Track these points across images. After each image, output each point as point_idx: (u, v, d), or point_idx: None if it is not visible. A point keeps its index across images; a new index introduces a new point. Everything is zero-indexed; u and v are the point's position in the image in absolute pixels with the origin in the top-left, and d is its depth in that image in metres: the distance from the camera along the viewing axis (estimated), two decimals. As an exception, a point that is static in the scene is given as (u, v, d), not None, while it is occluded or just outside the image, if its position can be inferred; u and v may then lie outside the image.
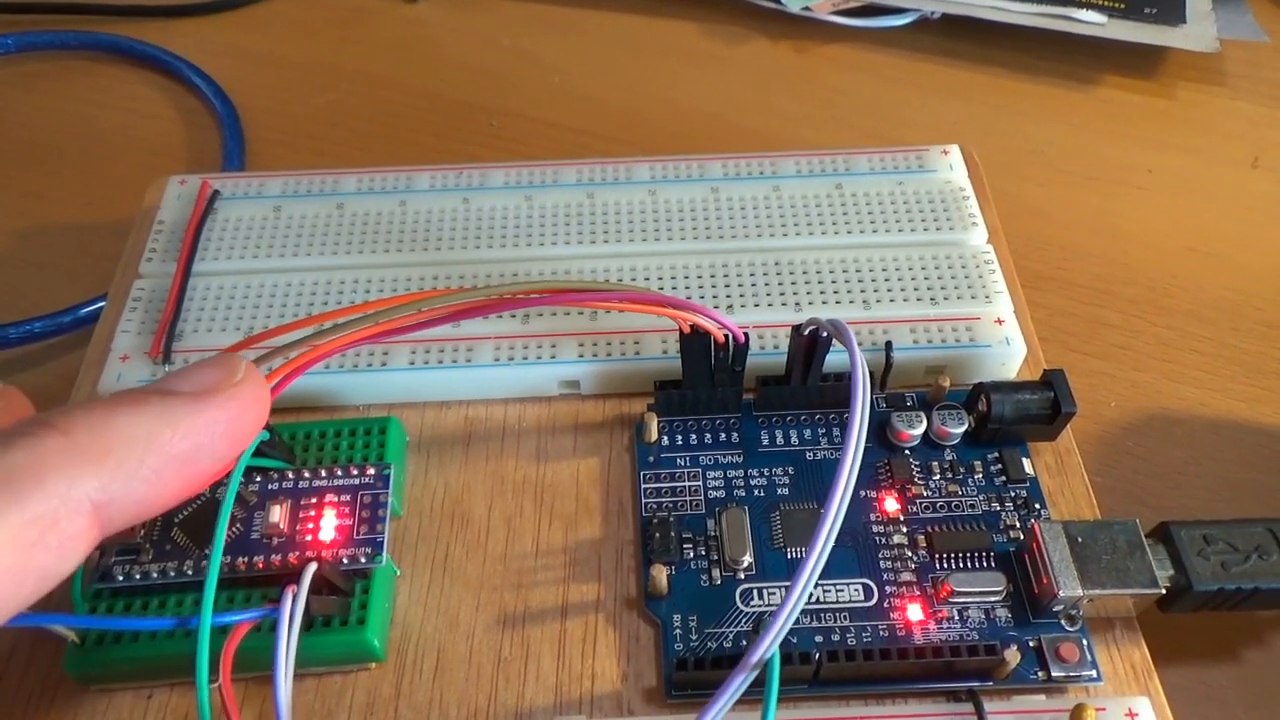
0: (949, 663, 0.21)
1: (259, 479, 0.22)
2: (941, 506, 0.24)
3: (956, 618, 0.22)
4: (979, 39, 0.42)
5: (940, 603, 0.22)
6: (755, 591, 0.22)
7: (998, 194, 0.30)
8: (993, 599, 0.22)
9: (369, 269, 0.28)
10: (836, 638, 0.22)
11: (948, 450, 0.25)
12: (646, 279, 0.27)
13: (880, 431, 0.25)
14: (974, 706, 0.20)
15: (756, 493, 0.24)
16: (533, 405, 0.26)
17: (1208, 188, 0.37)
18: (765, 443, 0.25)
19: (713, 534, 0.23)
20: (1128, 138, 0.39)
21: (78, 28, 0.42)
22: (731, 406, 0.25)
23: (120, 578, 0.21)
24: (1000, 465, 0.24)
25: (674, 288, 0.27)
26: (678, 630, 0.22)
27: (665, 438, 0.25)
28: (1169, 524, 0.22)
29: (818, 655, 0.20)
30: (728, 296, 0.27)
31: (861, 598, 0.22)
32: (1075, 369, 0.30)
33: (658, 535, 0.23)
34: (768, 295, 0.27)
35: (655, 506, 0.24)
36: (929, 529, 0.23)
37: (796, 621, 0.22)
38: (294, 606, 0.19)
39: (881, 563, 0.23)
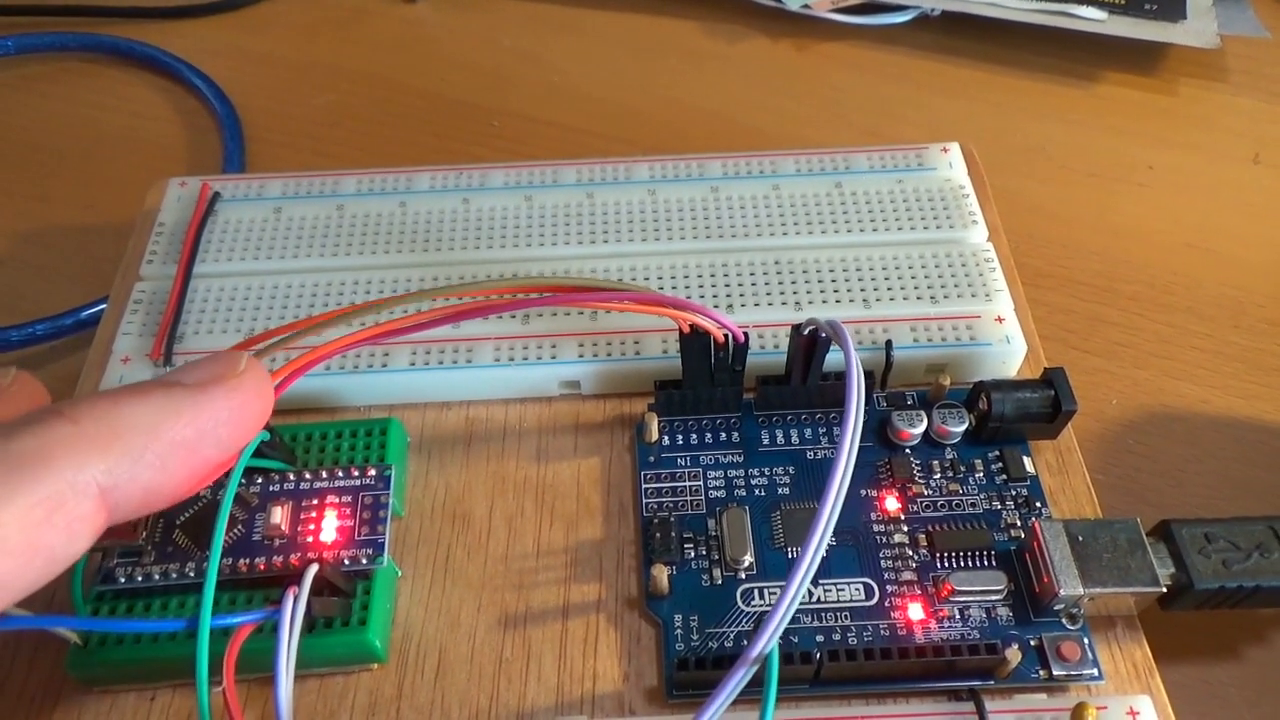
0: (950, 662, 0.21)
1: (260, 480, 0.22)
2: (942, 505, 0.24)
3: (957, 617, 0.22)
4: (979, 36, 0.42)
5: (941, 602, 0.22)
6: (756, 591, 0.22)
7: (998, 191, 0.30)
8: (994, 598, 0.22)
9: (369, 270, 0.28)
10: (837, 637, 0.22)
11: (948, 449, 0.25)
12: (646, 279, 0.27)
13: (881, 430, 0.25)
14: (975, 706, 0.20)
15: (757, 492, 0.24)
16: (533, 405, 0.26)
17: (1209, 184, 0.37)
18: (766, 442, 0.25)
19: (713, 534, 0.23)
20: (1128, 134, 0.39)
21: (77, 29, 0.42)
22: (732, 406, 0.25)
23: (122, 579, 0.21)
24: (1001, 464, 0.24)
25: (674, 287, 0.27)
26: (679, 630, 0.22)
27: (666, 437, 0.25)
28: (1170, 522, 0.22)
29: (818, 655, 0.20)
30: (727, 296, 0.27)
31: (862, 597, 0.22)
32: (1076, 367, 0.30)
33: (659, 535, 0.23)
34: (768, 294, 0.27)
35: (656, 506, 0.24)
36: (930, 528, 0.23)
37: (797, 621, 0.22)
38: (295, 608, 0.19)
39: (882, 562, 0.23)
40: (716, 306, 0.27)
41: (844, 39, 0.43)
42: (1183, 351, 0.31)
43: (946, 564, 0.23)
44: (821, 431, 0.25)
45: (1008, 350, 0.26)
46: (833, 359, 0.24)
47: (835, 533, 0.23)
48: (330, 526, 0.21)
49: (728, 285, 0.27)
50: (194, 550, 0.21)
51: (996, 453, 0.25)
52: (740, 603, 0.22)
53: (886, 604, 0.22)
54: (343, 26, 0.44)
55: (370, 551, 0.21)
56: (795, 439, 0.25)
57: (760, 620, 0.22)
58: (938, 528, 0.23)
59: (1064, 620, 0.22)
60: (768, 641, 0.18)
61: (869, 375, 0.25)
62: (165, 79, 0.41)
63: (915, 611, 0.22)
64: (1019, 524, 0.23)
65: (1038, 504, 0.24)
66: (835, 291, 0.27)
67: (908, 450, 0.25)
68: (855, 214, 0.29)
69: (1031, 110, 0.40)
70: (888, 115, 0.40)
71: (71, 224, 0.36)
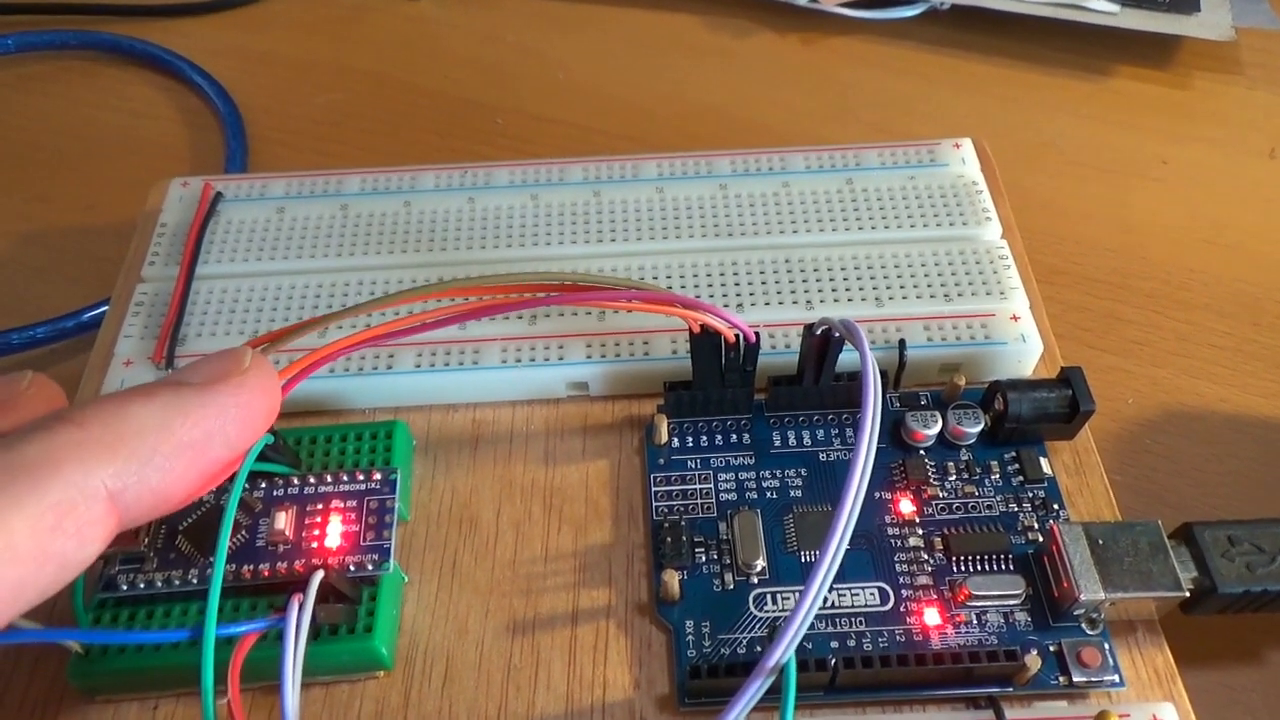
0: (968, 668, 0.20)
1: (264, 485, 0.22)
2: (958, 508, 0.23)
3: (975, 622, 0.21)
4: (989, 30, 0.42)
5: (958, 606, 0.22)
6: (769, 596, 0.22)
7: (1010, 187, 0.30)
8: (1011, 602, 0.22)
9: (374, 270, 0.27)
10: (853, 643, 0.21)
11: (964, 450, 0.24)
12: (655, 278, 0.27)
13: (895, 431, 0.25)
14: (994, 713, 0.20)
15: (769, 495, 0.24)
16: (541, 407, 0.26)
17: (1225, 179, 0.36)
18: (777, 444, 0.25)
19: (725, 537, 0.23)
20: (1142, 129, 0.38)
21: (78, 27, 0.42)
22: (743, 407, 0.25)
23: (124, 587, 0.20)
24: (1017, 465, 0.24)
25: (683, 286, 0.27)
26: (690, 636, 0.21)
27: (676, 439, 0.25)
28: (1192, 525, 0.22)
29: (834, 661, 0.20)
30: (738, 295, 0.26)
31: (877, 602, 0.22)
32: (1092, 365, 0.30)
33: (669, 539, 0.23)
34: (778, 293, 0.26)
35: (666, 510, 0.23)
36: (945, 531, 0.23)
37: (812, 627, 0.21)
38: (300, 616, 0.19)
39: (897, 566, 0.22)
40: (726, 306, 0.26)
41: (852, 33, 0.42)
42: (1201, 349, 0.31)
43: (963, 568, 0.22)
44: (835, 433, 0.25)
45: (1023, 349, 0.25)
46: (845, 359, 0.23)
47: (850, 537, 0.23)
48: (335, 532, 0.21)
49: (737, 284, 0.27)
50: (197, 556, 0.21)
51: (1013, 454, 0.24)
52: (753, 608, 0.22)
53: (902, 609, 0.22)
54: (346, 24, 0.44)
55: (376, 557, 0.21)
56: (808, 440, 0.25)
57: (774, 626, 0.21)
58: (953, 531, 0.23)
59: (1084, 625, 0.21)
60: (785, 651, 0.17)
61: (882, 375, 0.25)
62: (167, 78, 0.41)
63: (932, 617, 0.22)
64: (1036, 526, 0.23)
65: (1055, 506, 0.23)
66: (847, 290, 0.26)
67: (922, 452, 0.24)
68: (867, 211, 0.28)
69: (1043, 105, 0.39)
70: (897, 111, 0.39)
71: (72, 225, 0.35)
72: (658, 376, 0.25)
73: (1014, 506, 0.23)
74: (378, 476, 0.22)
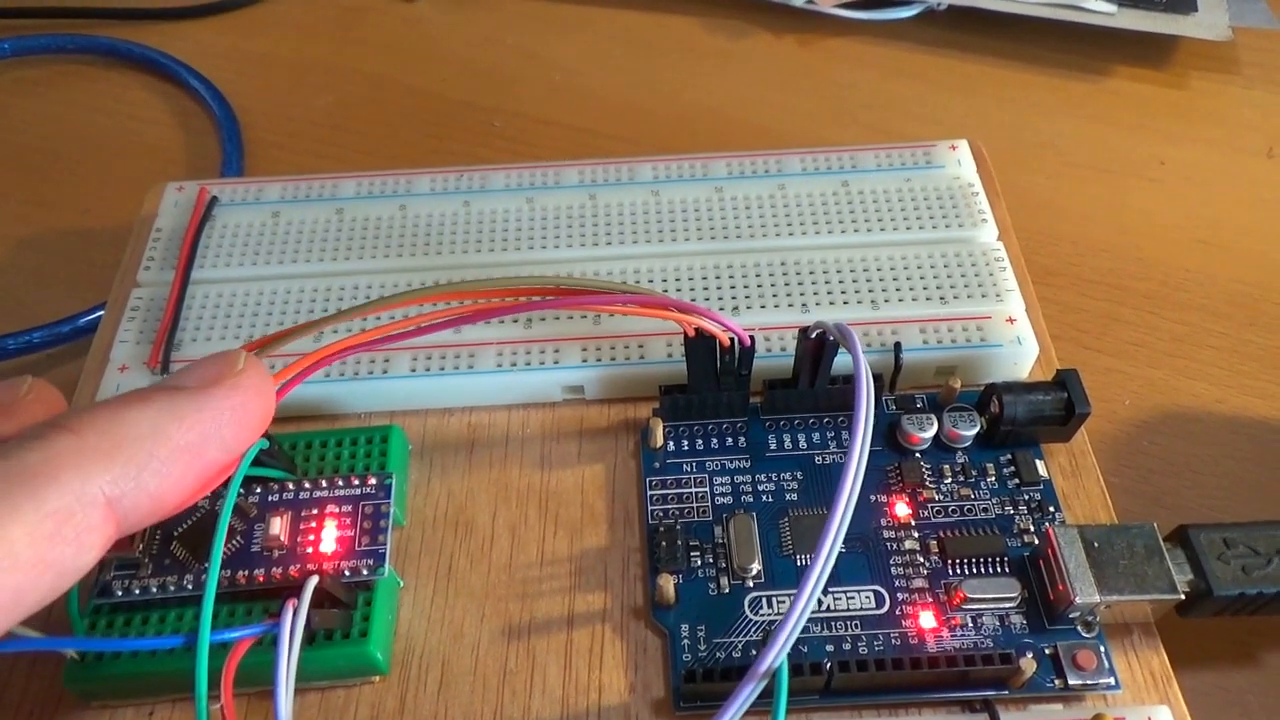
0: (963, 672, 0.20)
1: (259, 490, 0.22)
2: (954, 511, 0.23)
3: (970, 625, 0.21)
4: (986, 30, 0.42)
5: (953, 610, 0.22)
6: (765, 600, 0.22)
7: (1007, 188, 0.30)
8: (1007, 605, 0.22)
9: (369, 274, 0.27)
10: (848, 647, 0.21)
11: (959, 453, 0.24)
12: (650, 281, 0.27)
13: (890, 434, 0.25)
14: (989, 716, 0.20)
15: (765, 498, 0.24)
16: (536, 411, 0.26)
17: (1222, 179, 0.36)
18: (773, 447, 0.25)
19: (720, 541, 0.23)
20: (1139, 129, 0.38)
21: (75, 31, 0.42)
22: (738, 410, 0.25)
23: (119, 593, 0.20)
24: (1013, 468, 0.24)
25: (678, 289, 0.27)
26: (686, 640, 0.21)
27: (671, 443, 0.25)
28: (1187, 527, 0.22)
29: (828, 665, 0.20)
30: (733, 298, 0.26)
31: (873, 605, 0.22)
32: (1088, 367, 0.30)
33: (664, 543, 0.23)
34: (774, 296, 0.26)
35: (662, 514, 0.23)
36: (941, 534, 0.23)
37: (806, 630, 0.21)
38: (294, 622, 0.19)
39: (893, 569, 0.22)
40: (722, 309, 0.26)
41: (849, 34, 0.42)
42: (1197, 350, 0.31)
43: (958, 571, 0.22)
44: (830, 436, 0.25)
45: (1019, 351, 0.25)
46: (841, 361, 0.23)
47: (845, 539, 0.23)
48: (330, 537, 0.21)
49: (733, 287, 0.27)
50: (192, 562, 0.21)
51: (1008, 456, 0.24)
52: (748, 612, 0.22)
53: (897, 612, 0.22)
54: (342, 26, 0.44)
55: (371, 562, 0.21)
56: (803, 444, 0.25)
57: (769, 630, 0.21)
58: (949, 534, 0.23)
59: (1079, 628, 0.21)
60: (776, 655, 0.17)
61: (877, 378, 0.25)
62: (163, 81, 0.41)
63: (927, 620, 0.22)
64: (1032, 529, 0.23)
65: (1051, 508, 0.23)
66: (843, 293, 0.26)
67: (918, 454, 0.24)
68: (863, 213, 0.28)
69: (1040, 105, 0.39)
70: (894, 111, 0.39)
71: (69, 228, 0.35)
72: (653, 380, 0.25)
73: (1010, 509, 0.23)
74: (373, 481, 0.22)
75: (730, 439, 0.25)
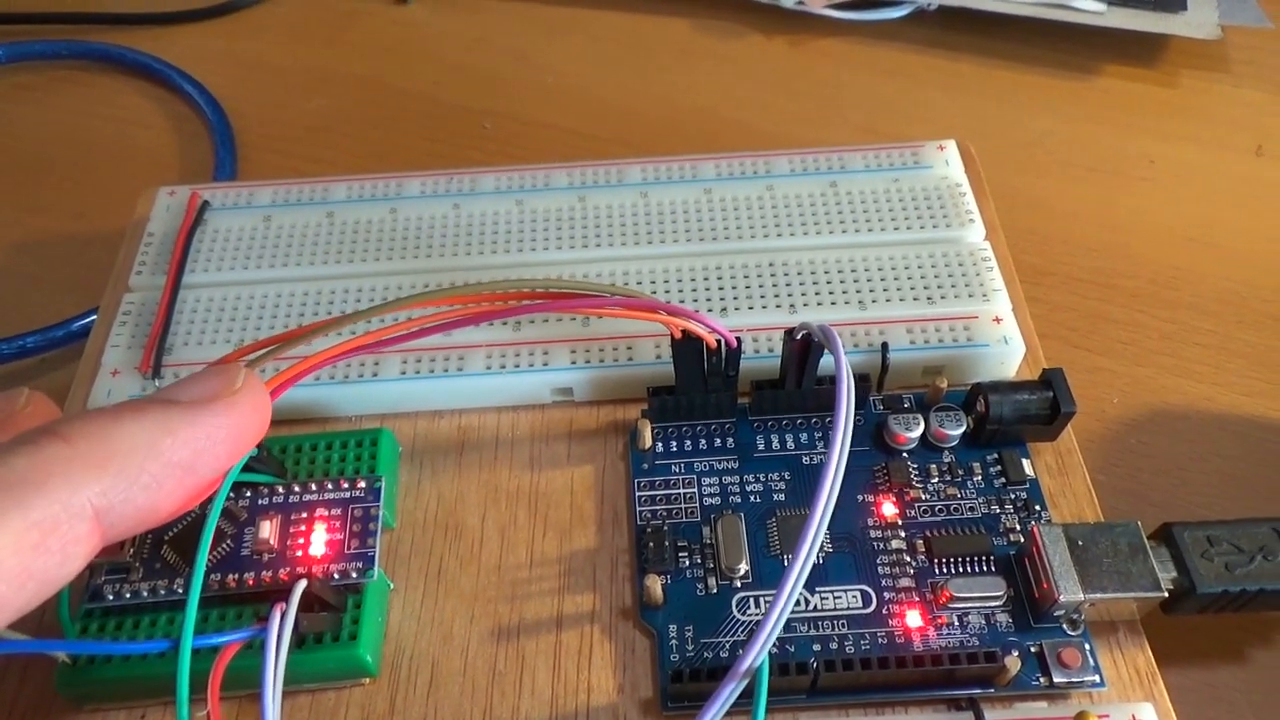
0: (949, 670, 0.20)
1: (249, 494, 0.22)
2: (940, 510, 0.23)
3: (956, 624, 0.22)
4: (976, 30, 0.42)
5: (940, 609, 0.22)
6: (752, 600, 0.22)
7: (997, 188, 0.30)
8: (993, 604, 0.22)
9: (360, 278, 0.27)
10: (834, 646, 0.21)
11: (946, 452, 0.24)
12: (639, 283, 0.27)
13: (877, 434, 0.25)
14: (974, 715, 0.20)
15: (752, 499, 0.24)
16: (526, 413, 0.26)
17: (1211, 177, 0.36)
18: (761, 448, 0.25)
19: (708, 542, 0.23)
20: (1129, 128, 0.38)
21: (67, 37, 0.42)
22: (726, 411, 0.25)
23: (110, 597, 0.21)
24: (1000, 467, 0.24)
25: (667, 291, 0.27)
26: (674, 640, 0.22)
27: (660, 444, 0.25)
28: (1171, 525, 0.22)
29: (815, 664, 0.20)
30: (722, 299, 0.27)
31: (860, 604, 0.22)
32: (1077, 365, 0.30)
33: (652, 544, 0.23)
34: (762, 297, 0.27)
35: (650, 515, 0.24)
36: (928, 533, 0.23)
37: (794, 630, 0.21)
38: (282, 626, 0.19)
39: (880, 568, 0.23)
40: (710, 310, 0.26)
41: (839, 35, 0.42)
42: (1186, 348, 0.31)
43: (945, 570, 0.22)
44: (818, 436, 0.25)
45: (1006, 351, 0.25)
46: (828, 362, 0.23)
47: (832, 539, 0.23)
48: (320, 540, 0.21)
49: (721, 288, 0.27)
50: (182, 566, 0.21)
51: (995, 455, 0.24)
52: (736, 612, 0.22)
53: (884, 611, 0.22)
54: (335, 29, 0.44)
55: (360, 565, 0.21)
56: (791, 444, 0.25)
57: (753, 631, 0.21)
58: (936, 533, 0.23)
59: (1065, 626, 0.21)
60: (757, 655, 0.17)
61: (865, 378, 0.25)
62: (156, 86, 0.41)
63: (913, 619, 0.22)
64: (1018, 528, 0.23)
65: (1037, 507, 0.23)
66: (830, 293, 0.27)
67: (905, 454, 0.24)
68: (851, 214, 0.28)
69: (1030, 105, 0.39)
70: (885, 111, 0.39)
71: (63, 233, 0.36)
72: (642, 381, 0.25)
73: (996, 508, 0.23)
74: (362, 484, 0.22)
75: (718, 440, 0.25)
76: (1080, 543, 0.21)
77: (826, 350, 0.22)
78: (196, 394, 0.17)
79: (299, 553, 0.21)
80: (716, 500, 0.24)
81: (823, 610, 0.22)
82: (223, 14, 0.44)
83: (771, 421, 0.25)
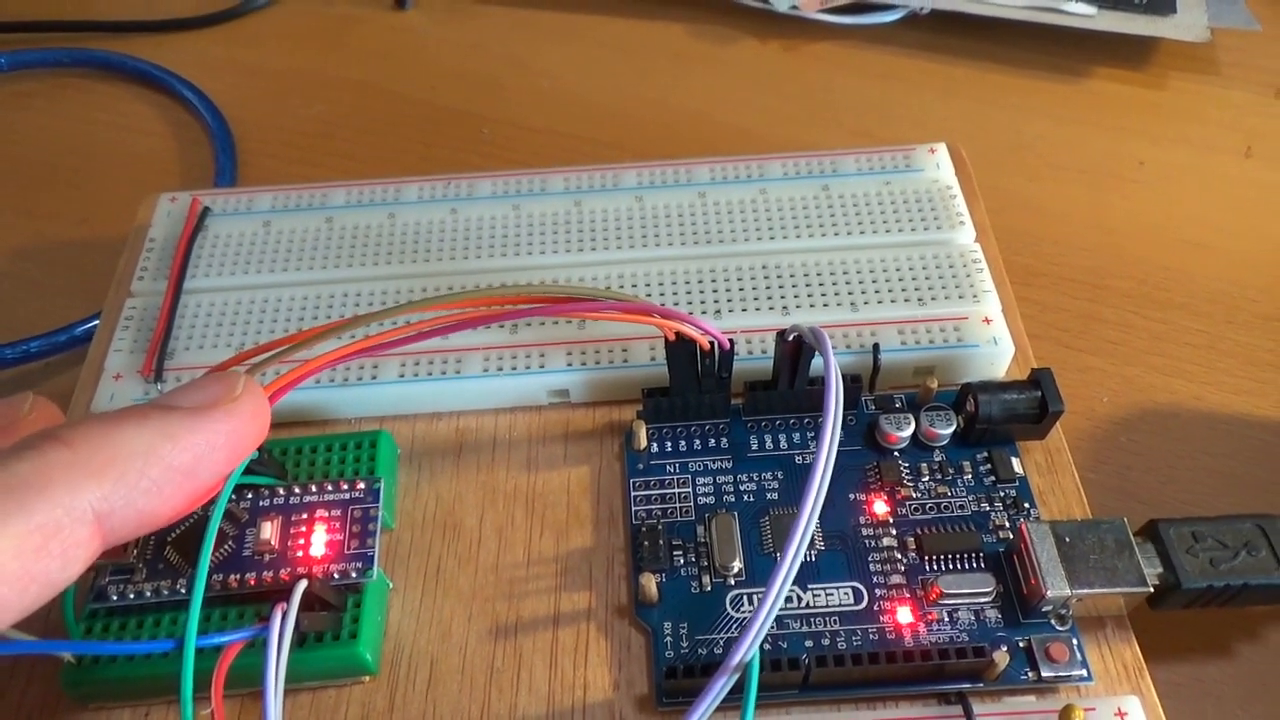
0: (939, 665, 0.21)
1: (250, 496, 0.22)
2: (931, 508, 0.24)
3: (946, 620, 0.22)
4: (968, 34, 0.42)
5: (930, 605, 0.22)
6: (746, 597, 0.23)
7: (988, 190, 0.30)
8: (982, 600, 0.22)
9: (359, 282, 0.28)
10: (826, 642, 0.22)
11: (937, 451, 0.25)
12: (634, 286, 0.27)
13: (869, 434, 0.25)
14: (963, 709, 0.20)
15: (746, 498, 0.24)
16: (523, 415, 0.26)
17: (1201, 179, 0.37)
18: (754, 448, 0.25)
19: (703, 540, 0.23)
20: (1119, 130, 0.38)
21: (69, 44, 0.43)
22: (720, 412, 0.25)
23: (114, 597, 0.21)
24: (989, 465, 0.24)
25: (662, 294, 0.27)
26: (669, 638, 0.22)
27: (654, 445, 0.25)
28: (1157, 522, 0.22)
29: (806, 660, 0.20)
30: (715, 301, 0.27)
31: (851, 601, 0.22)
32: (1068, 365, 0.30)
33: (647, 543, 0.23)
34: (755, 299, 0.27)
35: (645, 514, 0.24)
36: (918, 531, 0.23)
37: (786, 626, 0.22)
38: (284, 625, 0.19)
39: (871, 566, 0.23)
40: (704, 312, 0.27)
41: (833, 39, 0.43)
42: (1176, 348, 0.31)
43: (935, 567, 0.23)
44: (810, 436, 0.25)
45: (995, 351, 0.26)
46: (820, 363, 0.24)
47: (824, 537, 0.23)
48: (320, 541, 0.21)
49: (715, 291, 0.27)
50: (185, 567, 0.21)
51: (985, 454, 0.25)
52: (730, 609, 0.22)
53: (875, 608, 0.22)
54: (334, 36, 0.44)
55: (360, 565, 0.21)
56: (784, 444, 0.25)
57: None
58: (926, 531, 0.23)
59: (1053, 621, 0.22)
60: (748, 650, 0.18)
61: (857, 379, 0.25)
62: (157, 93, 0.42)
63: (904, 615, 0.22)
64: (1007, 525, 0.23)
65: (1026, 505, 0.24)
66: (823, 295, 0.27)
67: (896, 453, 0.25)
68: (843, 217, 0.29)
69: (1021, 107, 0.40)
70: (878, 115, 0.40)
71: (66, 239, 0.36)
72: (637, 383, 0.25)
73: (985, 506, 0.24)
74: (361, 486, 0.22)
75: (712, 440, 0.25)
76: (1068, 539, 0.22)
77: (817, 352, 0.23)
78: (197, 400, 0.17)
79: (300, 553, 0.21)
80: (710, 499, 0.24)
81: (815, 607, 0.22)
82: (222, 21, 0.45)
83: (764, 422, 0.25)
